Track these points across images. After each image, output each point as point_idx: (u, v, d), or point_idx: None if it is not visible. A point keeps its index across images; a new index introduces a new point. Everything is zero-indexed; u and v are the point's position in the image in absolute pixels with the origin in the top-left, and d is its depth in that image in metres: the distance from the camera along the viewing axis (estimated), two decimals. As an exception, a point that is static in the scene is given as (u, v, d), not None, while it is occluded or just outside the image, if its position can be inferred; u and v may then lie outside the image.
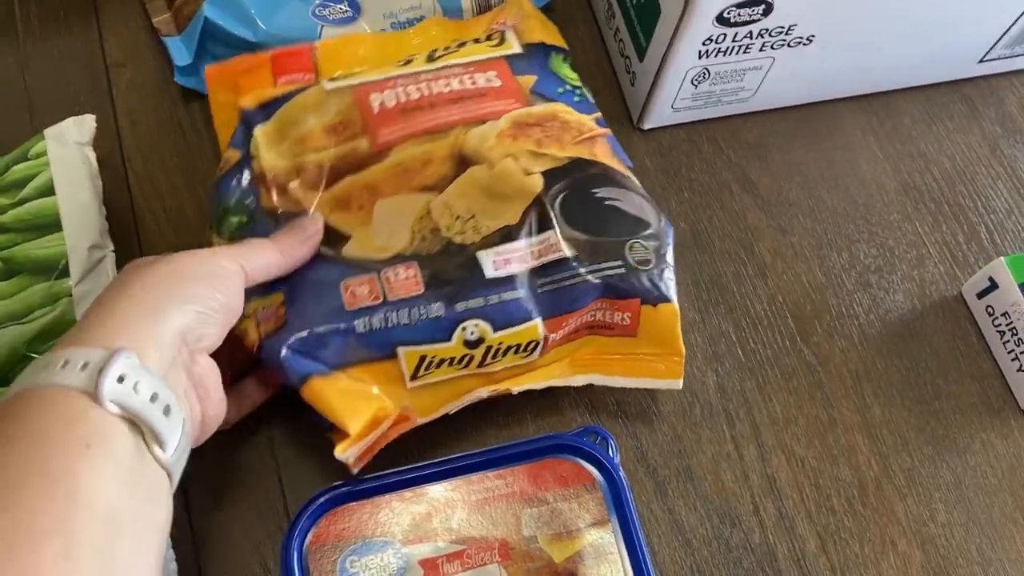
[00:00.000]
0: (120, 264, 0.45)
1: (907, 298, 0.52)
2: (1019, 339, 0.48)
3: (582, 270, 0.41)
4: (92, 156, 0.46)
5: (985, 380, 0.50)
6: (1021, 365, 0.48)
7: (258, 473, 0.43)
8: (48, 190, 0.44)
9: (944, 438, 0.48)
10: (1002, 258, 0.49)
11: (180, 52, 0.51)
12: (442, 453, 0.43)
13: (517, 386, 0.42)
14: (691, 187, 0.54)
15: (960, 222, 0.54)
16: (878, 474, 0.47)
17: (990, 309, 0.50)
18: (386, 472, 0.41)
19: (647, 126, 0.54)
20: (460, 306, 0.40)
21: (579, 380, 0.44)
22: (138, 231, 0.48)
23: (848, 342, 0.50)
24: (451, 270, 0.41)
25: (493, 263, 0.41)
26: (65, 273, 0.42)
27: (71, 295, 0.42)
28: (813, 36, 0.49)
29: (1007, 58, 0.57)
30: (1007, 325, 0.49)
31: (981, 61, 0.57)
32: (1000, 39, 0.55)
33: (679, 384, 0.44)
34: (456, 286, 0.40)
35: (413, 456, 0.43)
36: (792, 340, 0.50)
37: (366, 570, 0.39)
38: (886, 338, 0.51)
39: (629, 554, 0.40)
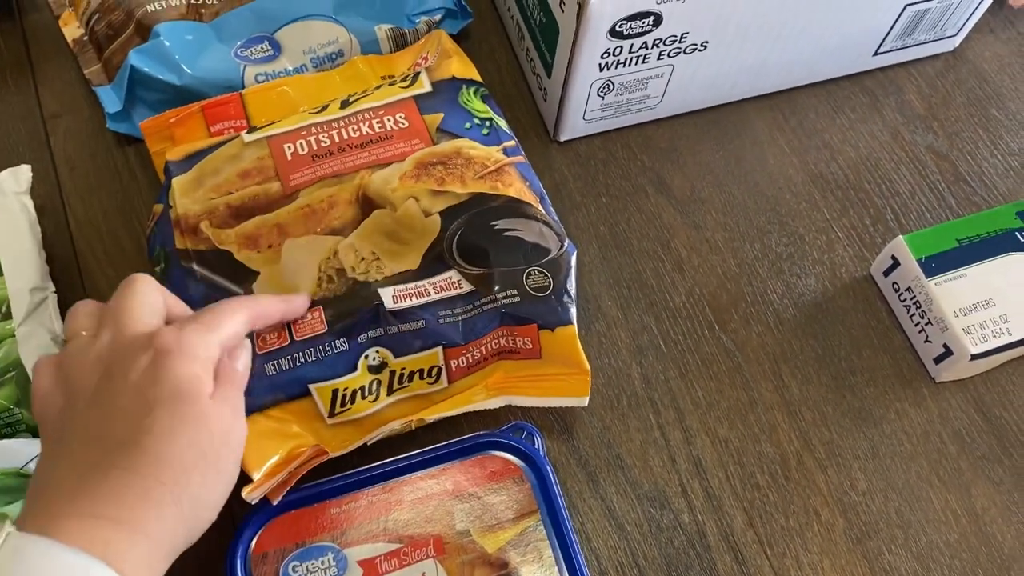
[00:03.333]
0: (63, 305, 0.47)
1: (819, 281, 0.55)
2: (922, 312, 0.51)
3: (479, 302, 0.43)
4: (30, 204, 0.48)
5: (897, 353, 0.53)
6: (927, 336, 0.51)
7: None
8: (-13, 237, 0.46)
9: (860, 410, 0.51)
10: (901, 236, 0.52)
11: (111, 100, 0.53)
12: (378, 458, 0.45)
13: (431, 415, 0.44)
14: (608, 192, 0.57)
15: (867, 207, 0.57)
16: (799, 449, 0.50)
17: (895, 286, 0.53)
18: (323, 480, 0.43)
19: (563, 138, 0.57)
20: (362, 337, 0.42)
21: (494, 403, 0.46)
22: (80, 272, 0.50)
23: (764, 327, 0.53)
24: (354, 306, 0.43)
25: (393, 297, 0.43)
26: (8, 316, 0.45)
27: (14, 335, 0.44)
28: (707, 42, 0.52)
29: (900, 49, 0.61)
30: (911, 299, 0.52)
31: (876, 54, 0.60)
32: (890, 31, 0.58)
33: (585, 401, 0.46)
34: (358, 319, 0.42)
35: (349, 463, 0.45)
36: (711, 328, 0.53)
37: (308, 573, 0.41)
38: (800, 321, 0.53)
39: (558, 540, 0.43)
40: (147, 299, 0.37)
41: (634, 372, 0.51)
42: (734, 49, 0.54)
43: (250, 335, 0.41)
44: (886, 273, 0.53)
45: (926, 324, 0.51)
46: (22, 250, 0.47)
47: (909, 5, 0.56)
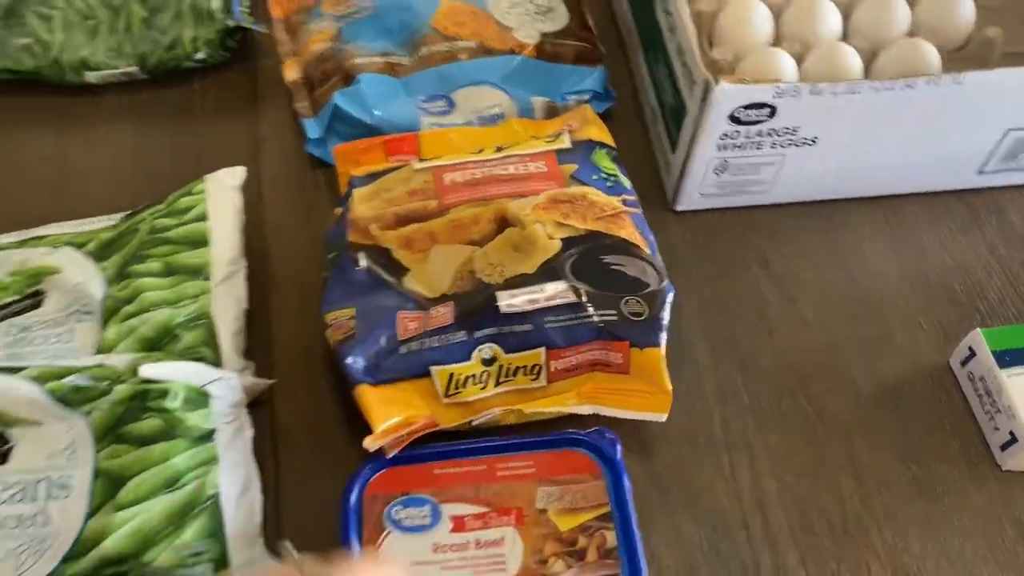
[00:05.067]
0: (249, 277, 0.58)
1: (900, 365, 0.59)
2: (993, 400, 0.55)
3: (581, 315, 0.51)
4: (239, 197, 0.60)
5: (966, 438, 0.56)
6: (996, 424, 0.55)
7: (334, 440, 0.54)
8: (203, 217, 0.58)
9: (924, 482, 0.55)
10: (979, 329, 0.56)
11: (313, 128, 0.66)
12: (479, 438, 0.52)
13: (529, 408, 0.52)
14: (713, 259, 0.64)
15: (954, 305, 0.62)
16: (859, 507, 0.54)
17: (971, 375, 0.57)
18: (431, 445, 0.51)
19: (679, 208, 0.65)
20: (479, 333, 0.51)
21: (583, 409, 0.53)
22: (269, 257, 0.62)
23: (843, 398, 0.58)
24: (477, 305, 0.52)
25: (508, 303, 0.51)
26: (208, 277, 0.56)
27: (210, 292, 0.55)
28: (816, 138, 0.60)
29: (1005, 171, 0.66)
30: (984, 388, 0.56)
31: (980, 173, 0.66)
32: (993, 153, 0.64)
33: (663, 417, 0.52)
34: (478, 318, 0.51)
35: (455, 438, 0.53)
36: (792, 391, 0.58)
37: (407, 518, 0.49)
38: (878, 397, 0.58)
39: (623, 533, 0.48)
40: None
41: (715, 416, 0.57)
42: (841, 149, 0.61)
43: (391, 328, 0.50)
44: (963, 363, 0.58)
45: (996, 412, 0.55)
46: (227, 230, 0.58)
47: (1012, 130, 0.62)
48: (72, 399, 0.47)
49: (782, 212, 0.66)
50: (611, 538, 0.48)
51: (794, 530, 0.53)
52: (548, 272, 0.52)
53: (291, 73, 0.69)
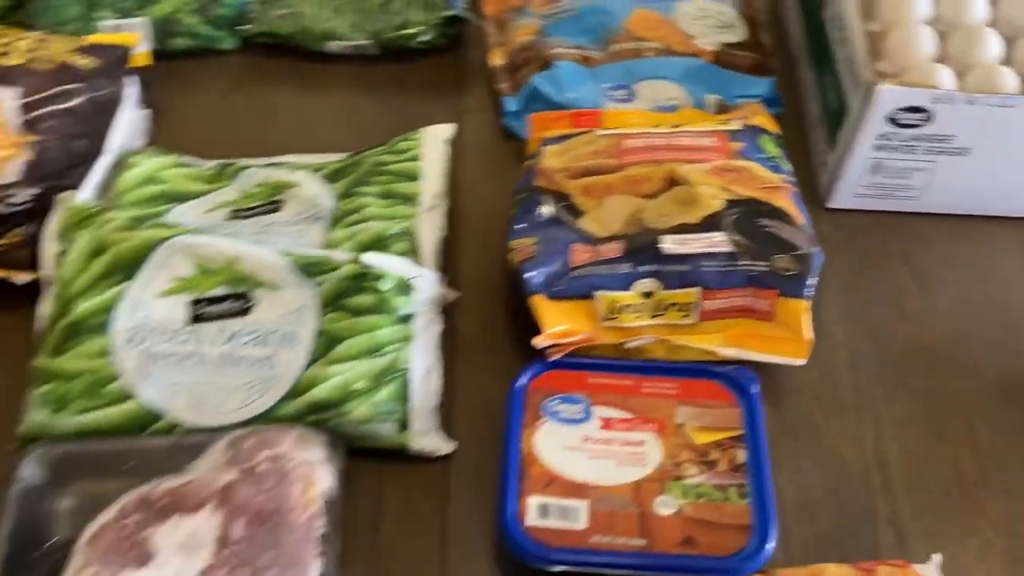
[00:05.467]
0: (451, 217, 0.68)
1: (1034, 363, 0.63)
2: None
3: (736, 263, 0.58)
4: (446, 148, 0.71)
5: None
6: (1122, 423, 0.58)
7: (499, 349, 0.63)
8: (417, 158, 0.69)
9: (1043, 468, 0.58)
10: (1113, 334, 0.60)
11: (511, 104, 0.76)
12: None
13: (678, 340, 0.59)
14: (858, 252, 0.69)
15: (1090, 321, 0.65)
16: (976, 479, 0.58)
17: (1101, 378, 0.60)
18: (589, 356, 0.59)
19: (830, 205, 0.71)
20: (641, 268, 0.59)
21: (727, 351, 0.59)
22: (462, 202, 0.71)
23: (968, 386, 0.62)
24: (642, 244, 0.59)
25: (671, 244, 0.59)
26: (416, 204, 0.66)
27: (417, 216, 0.65)
28: (969, 149, 0.65)
29: None
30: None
31: None
32: None
33: (802, 361, 0.58)
34: (642, 255, 0.59)
35: (608, 354, 0.60)
36: (920, 372, 0.63)
37: (562, 411, 0.56)
38: (1003, 391, 0.62)
39: (752, 453, 0.54)
40: None
41: (845, 380, 0.62)
42: (993, 163, 0.66)
43: (565, 256, 0.59)
44: (1094, 367, 0.61)
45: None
46: (435, 171, 0.68)
47: None
48: (309, 270, 0.58)
49: (928, 220, 0.71)
50: (741, 456, 0.54)
51: (912, 489, 0.57)
52: (709, 224, 0.60)
53: (496, 59, 0.80)
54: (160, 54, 0.80)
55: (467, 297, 0.65)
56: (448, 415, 0.60)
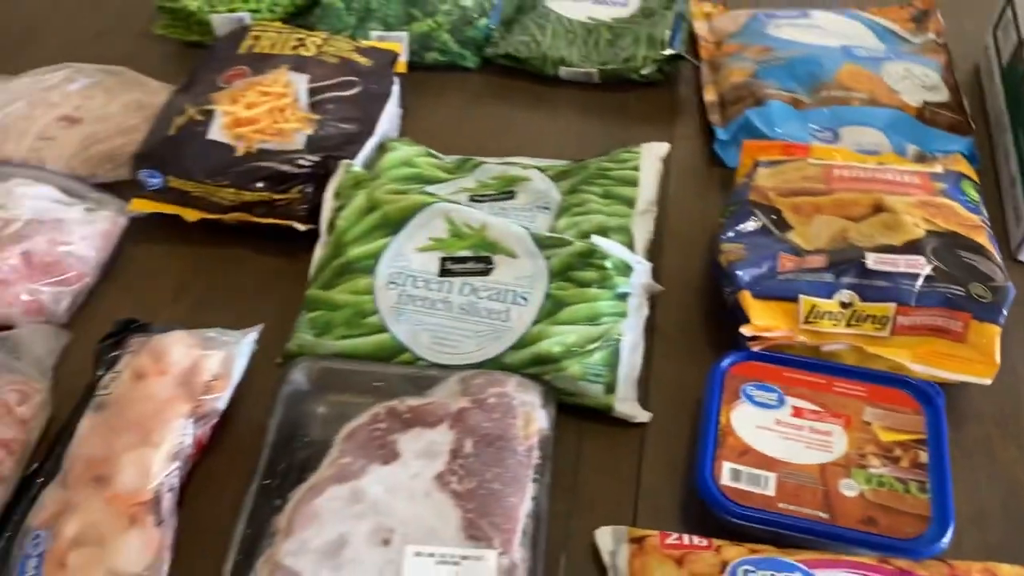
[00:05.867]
0: (658, 225, 0.76)
1: None
2: None
3: (933, 284, 0.63)
4: (660, 164, 0.79)
5: None
6: None
7: (696, 340, 0.70)
8: (636, 168, 0.77)
9: None
10: None
11: (723, 133, 0.84)
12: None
13: (871, 349, 0.64)
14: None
15: None
16: None
17: None
18: (784, 354, 0.65)
19: (1021, 258, 0.75)
20: (844, 279, 0.64)
21: (916, 367, 0.63)
22: (668, 213, 0.79)
23: None
24: (847, 259, 0.65)
25: (873, 261, 0.64)
26: (632, 207, 0.74)
27: (632, 216, 0.74)
28: None
29: None
30: None
31: None
32: None
33: (988, 380, 0.62)
34: (846, 267, 0.65)
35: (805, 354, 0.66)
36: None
37: (758, 396, 0.62)
38: None
39: (935, 454, 0.58)
40: None
41: (1025, 414, 0.66)
42: None
43: (773, 261, 0.66)
44: None
45: None
46: (650, 182, 0.77)
47: None
48: (543, 243, 0.67)
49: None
50: (923, 456, 0.59)
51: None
52: (911, 248, 0.65)
53: (710, 95, 0.89)
54: (413, 65, 0.93)
55: (668, 294, 0.73)
56: (645, 390, 0.67)
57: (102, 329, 0.68)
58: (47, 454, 0.62)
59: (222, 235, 0.78)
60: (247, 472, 0.60)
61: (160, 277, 0.76)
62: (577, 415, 0.65)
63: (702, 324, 0.72)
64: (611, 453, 0.64)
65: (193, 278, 0.76)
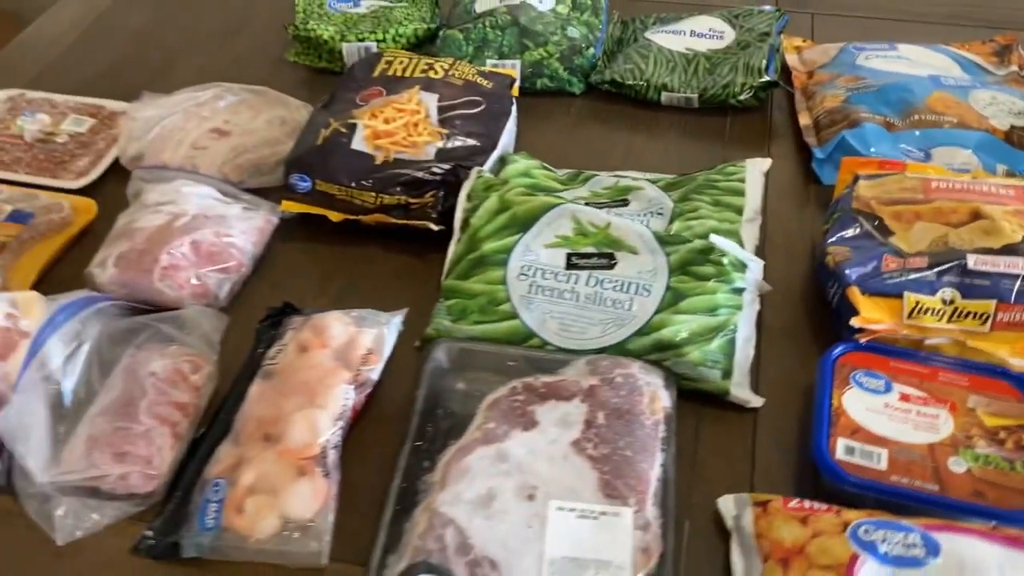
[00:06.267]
0: (764, 231, 0.81)
1: None
2: None
3: None
4: (763, 178, 0.85)
5: None
6: None
7: (800, 335, 0.75)
8: (742, 180, 0.83)
9: None
10: None
11: (819, 152, 0.90)
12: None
13: (974, 344, 0.69)
14: None
15: None
16: None
17: None
18: (889, 345, 0.69)
19: (1113, 267, 0.79)
20: (946, 278, 0.69)
21: (1016, 361, 0.68)
22: (768, 223, 0.85)
23: None
24: (948, 258, 0.70)
25: (974, 262, 0.69)
26: (740, 214, 0.80)
27: (740, 223, 0.80)
28: None
29: None
30: None
31: None
32: None
33: None
34: (948, 267, 0.70)
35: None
36: None
37: (867, 381, 0.67)
38: None
39: (1038, 439, 0.63)
40: None
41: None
42: None
43: (878, 261, 0.71)
44: None
45: None
46: (755, 193, 0.83)
47: None
48: (665, 240, 0.73)
49: None
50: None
51: None
52: (1008, 251, 0.70)
53: (804, 119, 0.95)
54: (523, 91, 1.01)
55: (772, 295, 0.78)
56: (756, 379, 0.72)
57: (255, 314, 0.76)
58: (213, 417, 0.69)
59: (358, 236, 0.85)
60: (391, 438, 0.67)
61: (305, 271, 0.84)
62: (695, 401, 0.71)
63: (805, 323, 0.77)
64: (727, 435, 0.69)
65: (334, 273, 0.83)
